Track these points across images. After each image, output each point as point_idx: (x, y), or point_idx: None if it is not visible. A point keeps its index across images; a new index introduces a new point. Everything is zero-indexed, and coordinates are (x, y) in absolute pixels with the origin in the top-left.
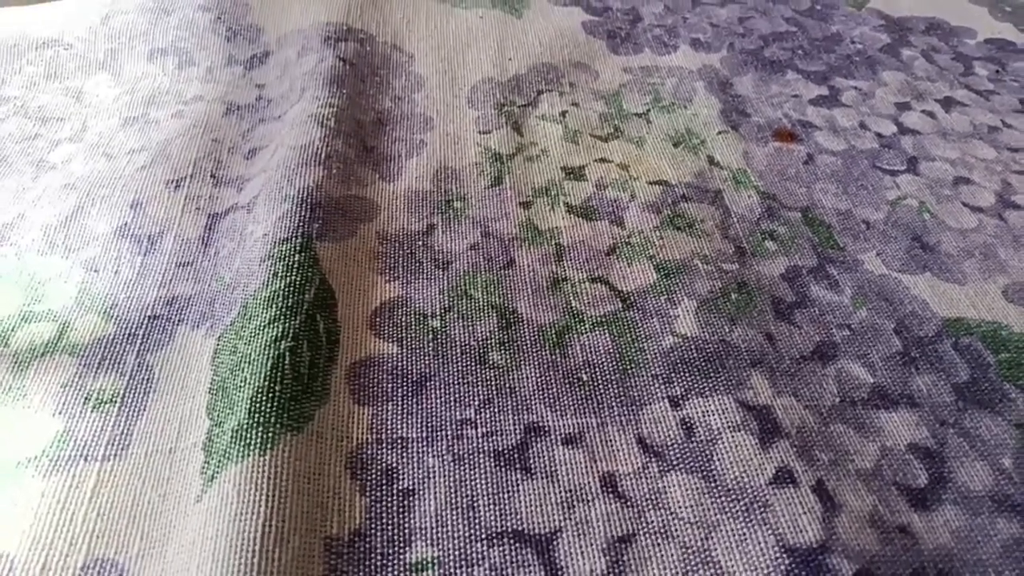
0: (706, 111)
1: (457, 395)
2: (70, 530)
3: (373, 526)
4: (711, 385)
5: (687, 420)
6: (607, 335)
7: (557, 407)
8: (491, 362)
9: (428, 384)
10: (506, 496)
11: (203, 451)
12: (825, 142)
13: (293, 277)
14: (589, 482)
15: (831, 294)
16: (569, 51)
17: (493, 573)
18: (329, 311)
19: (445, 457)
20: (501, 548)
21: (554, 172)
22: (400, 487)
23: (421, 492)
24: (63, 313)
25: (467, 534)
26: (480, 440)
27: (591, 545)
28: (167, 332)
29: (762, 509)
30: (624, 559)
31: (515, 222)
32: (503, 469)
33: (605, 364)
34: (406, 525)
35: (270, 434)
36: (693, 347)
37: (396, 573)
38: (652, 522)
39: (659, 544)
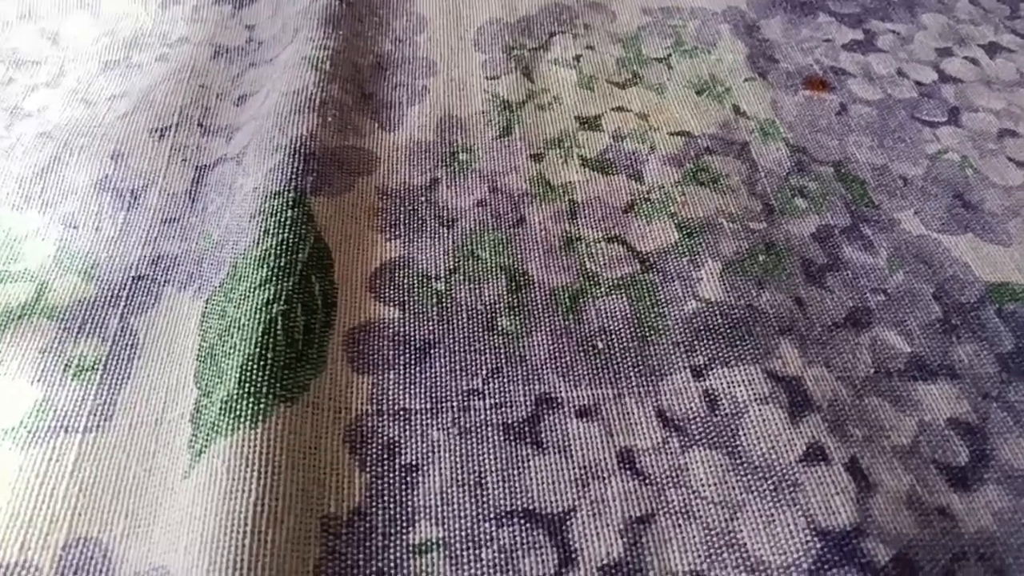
0: (731, 56)
1: (463, 363)
2: (50, 507)
3: (374, 504)
4: (737, 354)
5: (711, 392)
6: (624, 299)
7: (571, 377)
8: (500, 328)
9: (432, 351)
10: (516, 472)
11: (191, 423)
12: (859, 91)
13: (286, 235)
14: (605, 458)
15: (865, 256)
16: None
17: (502, 555)
18: (325, 272)
19: (451, 430)
20: (511, 528)
21: (567, 122)
22: (402, 462)
23: (425, 468)
24: (40, 273)
25: (474, 513)
26: (488, 412)
27: (607, 526)
28: (152, 294)
29: (791, 488)
30: (643, 540)
31: (525, 176)
32: (513, 443)
33: (622, 331)
34: (409, 503)
35: (262, 405)
36: (717, 313)
37: (398, 555)
38: (673, 501)
39: (680, 525)
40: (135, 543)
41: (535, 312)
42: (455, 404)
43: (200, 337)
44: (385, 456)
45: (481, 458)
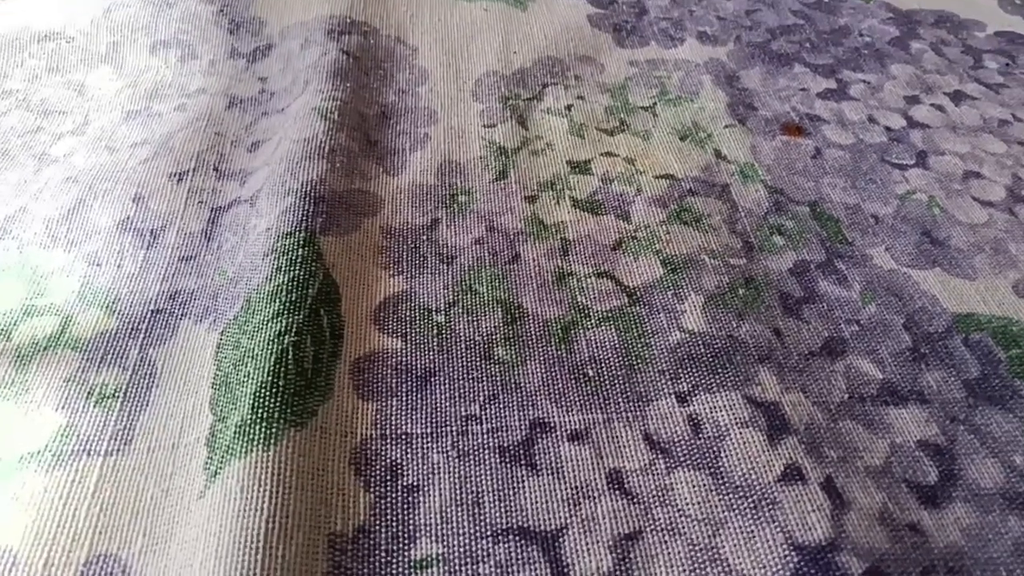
0: (713, 104)
1: (462, 391)
2: (73, 525)
3: (377, 523)
4: (718, 381)
5: (694, 416)
6: (613, 330)
7: (563, 403)
8: (496, 357)
9: (433, 379)
10: (511, 492)
11: (206, 446)
12: (833, 136)
13: (296, 271)
14: (595, 479)
15: (840, 289)
16: (574, 44)
17: (498, 570)
18: (333, 306)
19: (450, 453)
20: (506, 545)
21: (559, 166)
22: (404, 483)
23: (426, 488)
24: (65, 307)
25: (472, 531)
26: (485, 436)
27: (597, 542)
28: (170, 326)
29: (770, 506)
30: (631, 556)
31: (520, 216)
32: (508, 465)
33: (611, 360)
34: (410, 522)
35: (273, 430)
36: (700, 343)
37: (400, 570)
38: (659, 519)
39: (666, 541)
40: (153, 560)
41: (529, 343)
42: (454, 429)
43: (215, 367)
44: (388, 477)
45: (479, 479)
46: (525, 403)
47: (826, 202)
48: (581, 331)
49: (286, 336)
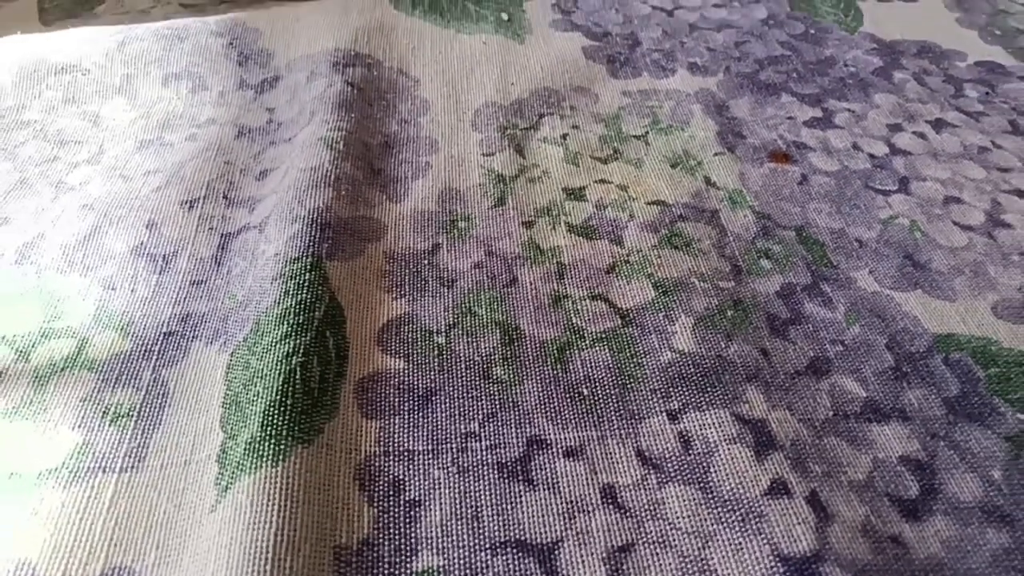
0: (703, 133)
1: (462, 409)
2: (89, 539)
3: (381, 536)
4: (708, 399)
5: (685, 433)
6: (607, 351)
7: (559, 421)
8: (495, 377)
9: (434, 398)
10: (509, 507)
11: (217, 463)
12: (819, 163)
13: (304, 295)
14: (590, 493)
15: (825, 311)
16: (570, 75)
17: None
18: (338, 328)
19: (450, 469)
20: (504, 557)
21: (555, 193)
22: (407, 498)
23: (427, 503)
24: (82, 330)
25: (472, 544)
26: (484, 452)
27: (591, 555)
28: (182, 348)
29: (757, 519)
30: (624, 568)
31: (518, 241)
32: (506, 481)
33: (605, 379)
34: (413, 535)
35: (282, 447)
36: (690, 362)
37: None
38: (651, 532)
39: (658, 554)
40: (166, 571)
41: (526, 363)
42: (454, 446)
43: (225, 386)
44: (391, 492)
45: (478, 494)
46: (522, 421)
47: (812, 227)
48: (576, 351)
49: (294, 357)
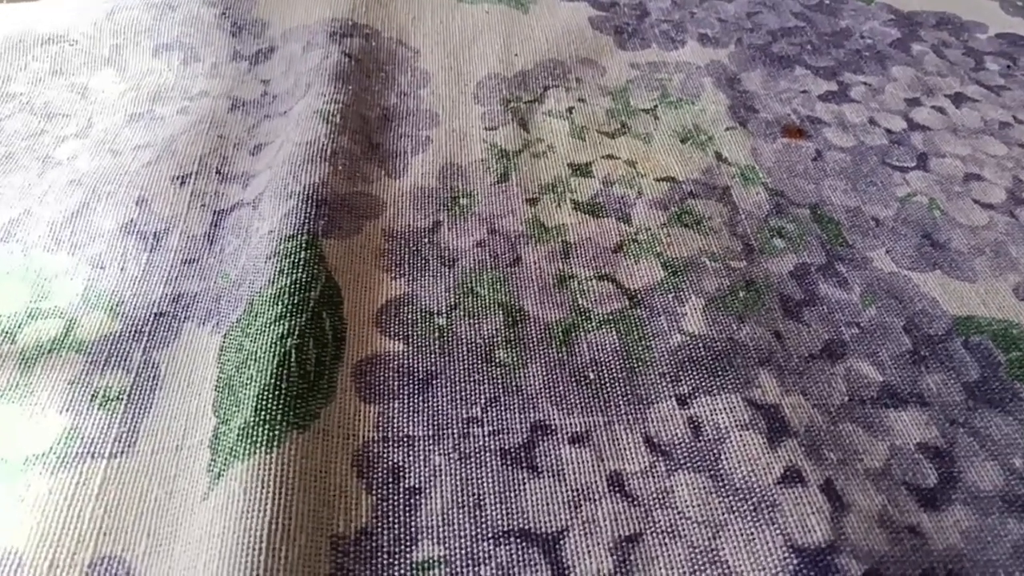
0: (714, 107)
1: (463, 393)
2: (77, 527)
3: (379, 525)
4: (719, 384)
5: (695, 419)
6: (614, 333)
7: (564, 405)
8: (497, 360)
9: (434, 382)
10: (513, 495)
11: (209, 449)
12: (834, 138)
13: (299, 274)
14: (596, 481)
15: (840, 292)
16: (576, 46)
17: (500, 572)
18: (335, 308)
19: (451, 455)
20: (508, 547)
21: (561, 168)
22: (406, 485)
23: (427, 491)
24: (70, 310)
25: (474, 533)
26: (487, 438)
27: (598, 544)
28: (173, 329)
29: (770, 509)
30: (631, 559)
31: (521, 219)
32: (510, 468)
33: (612, 362)
34: (412, 524)
35: (276, 432)
36: (701, 345)
37: (403, 572)
38: (659, 521)
39: (666, 544)
40: (157, 561)
41: (530, 345)
42: (455, 431)
43: (218, 369)
44: (390, 480)
45: (480, 481)
46: (526, 405)
47: (827, 204)
48: (582, 333)
49: (289, 339)
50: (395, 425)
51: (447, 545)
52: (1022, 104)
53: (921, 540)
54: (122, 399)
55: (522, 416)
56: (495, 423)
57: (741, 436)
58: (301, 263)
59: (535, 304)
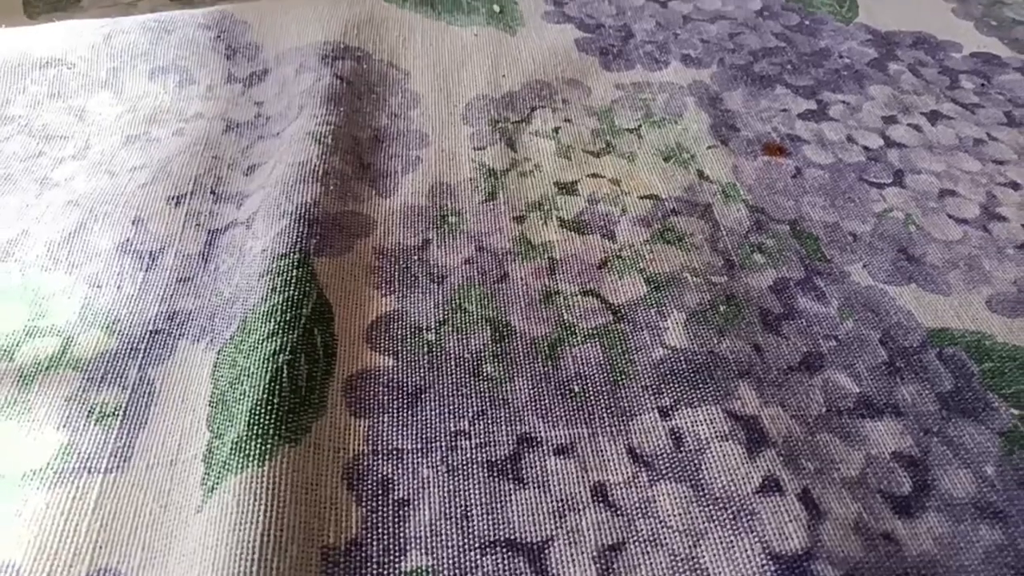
0: (696, 126)
1: (451, 407)
2: (74, 540)
3: (369, 535)
4: (700, 396)
5: (676, 430)
6: (598, 347)
7: (549, 418)
8: (485, 374)
9: (423, 396)
10: (499, 506)
11: (203, 462)
12: (813, 156)
13: (291, 292)
14: (580, 491)
15: (818, 305)
16: (562, 68)
17: None
18: (326, 325)
19: (439, 468)
20: (494, 557)
21: (547, 187)
22: (395, 497)
23: (416, 502)
24: (67, 328)
25: (461, 543)
26: (474, 451)
27: (582, 553)
28: (168, 346)
29: (749, 517)
30: (615, 567)
31: (509, 236)
32: (496, 479)
33: (596, 375)
34: (401, 534)
35: (268, 446)
36: (682, 359)
37: None
38: (642, 530)
39: (648, 552)
40: (152, 573)
41: (517, 359)
42: (444, 444)
43: (212, 385)
44: (379, 492)
45: (467, 493)
46: (513, 418)
47: (806, 220)
48: (567, 348)
49: (281, 355)
50: (384, 438)
51: (435, 555)
52: (996, 122)
53: (895, 546)
54: (118, 415)
55: (508, 429)
56: (482, 436)
57: (721, 447)
58: (293, 281)
59: (522, 319)
